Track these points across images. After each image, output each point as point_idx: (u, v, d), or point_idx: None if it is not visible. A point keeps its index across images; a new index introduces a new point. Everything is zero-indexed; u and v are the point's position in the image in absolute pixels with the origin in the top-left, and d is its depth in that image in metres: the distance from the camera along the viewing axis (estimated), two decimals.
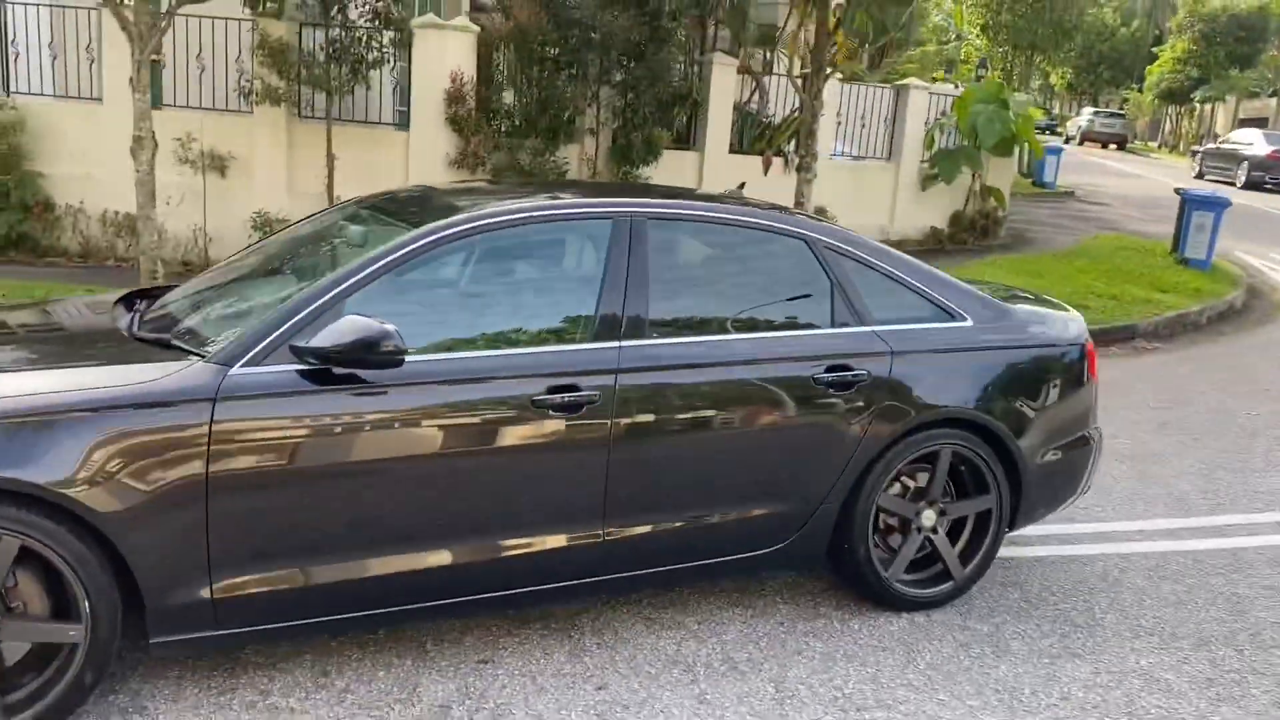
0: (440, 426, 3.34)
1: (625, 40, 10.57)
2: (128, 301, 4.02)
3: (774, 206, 4.37)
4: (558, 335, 3.63)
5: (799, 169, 9.82)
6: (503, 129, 10.76)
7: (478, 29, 10.69)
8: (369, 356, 3.13)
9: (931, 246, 14.10)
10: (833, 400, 3.85)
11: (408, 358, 3.24)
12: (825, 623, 4.04)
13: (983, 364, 4.16)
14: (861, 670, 3.70)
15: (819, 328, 3.97)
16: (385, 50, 10.65)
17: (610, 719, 3.32)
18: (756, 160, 12.64)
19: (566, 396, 3.43)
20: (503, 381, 3.41)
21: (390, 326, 3.12)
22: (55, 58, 11.28)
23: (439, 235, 3.47)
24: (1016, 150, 15.31)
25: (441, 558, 3.40)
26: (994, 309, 4.32)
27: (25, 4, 10.95)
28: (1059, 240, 15.14)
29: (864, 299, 4.03)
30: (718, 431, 3.73)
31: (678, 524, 3.71)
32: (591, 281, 3.67)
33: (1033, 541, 4.93)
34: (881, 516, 4.12)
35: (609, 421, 3.50)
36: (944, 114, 14.36)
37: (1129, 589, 4.50)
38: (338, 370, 3.18)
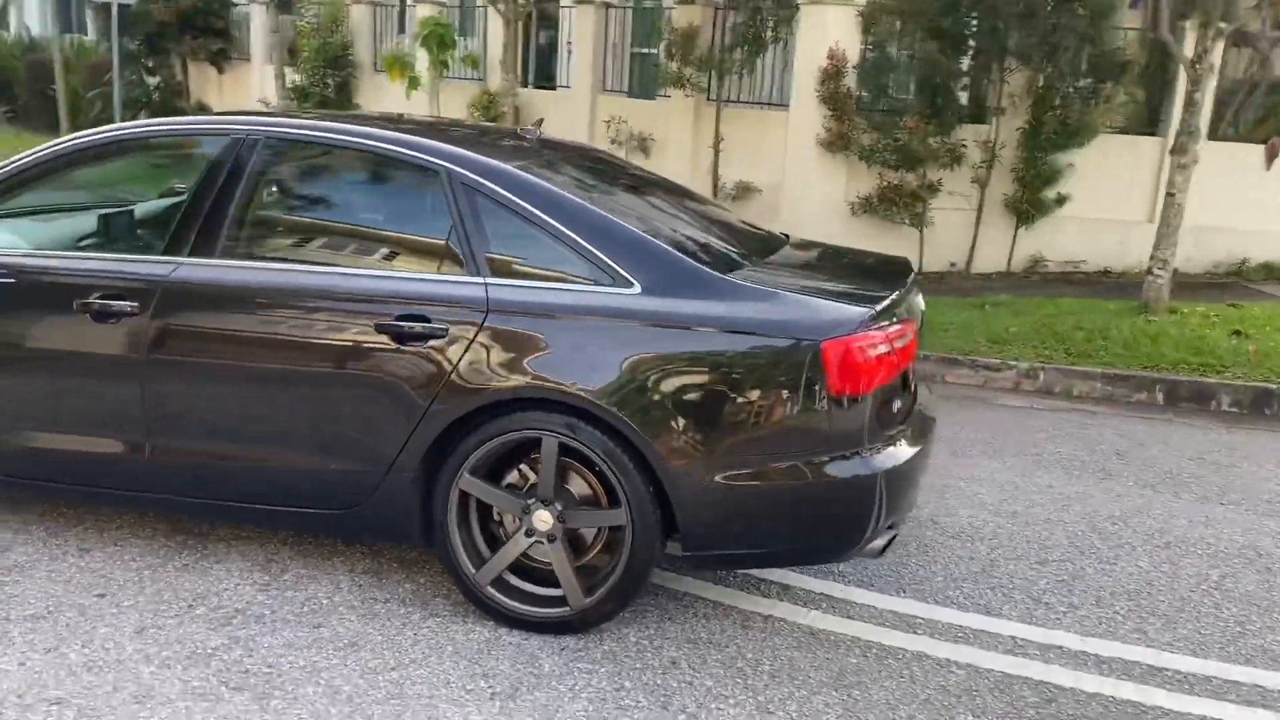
0: None
1: (1022, 4, 9.09)
2: None
3: (438, 130, 3.84)
4: (127, 248, 3.72)
5: (1173, 151, 7.61)
6: (882, 107, 9.96)
7: (862, 2, 10.01)
8: None
9: None
10: (399, 353, 3.32)
11: None
12: (419, 617, 3.47)
13: (624, 340, 3.19)
14: (336, 660, 3.17)
15: (417, 271, 3.43)
16: (778, 29, 10.52)
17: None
18: (1250, 150, 10.03)
19: (103, 304, 3.51)
20: (58, 285, 3.62)
21: None
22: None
23: (37, 157, 3.78)
24: None
25: None
26: (690, 279, 3.26)
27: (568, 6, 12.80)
28: None
29: (489, 245, 3.36)
30: (266, 366, 3.47)
31: (229, 459, 3.55)
32: (183, 198, 3.66)
33: (861, 616, 3.62)
34: (496, 509, 3.45)
35: (145, 335, 3.49)
36: None
37: (847, 690, 3.11)
38: None
